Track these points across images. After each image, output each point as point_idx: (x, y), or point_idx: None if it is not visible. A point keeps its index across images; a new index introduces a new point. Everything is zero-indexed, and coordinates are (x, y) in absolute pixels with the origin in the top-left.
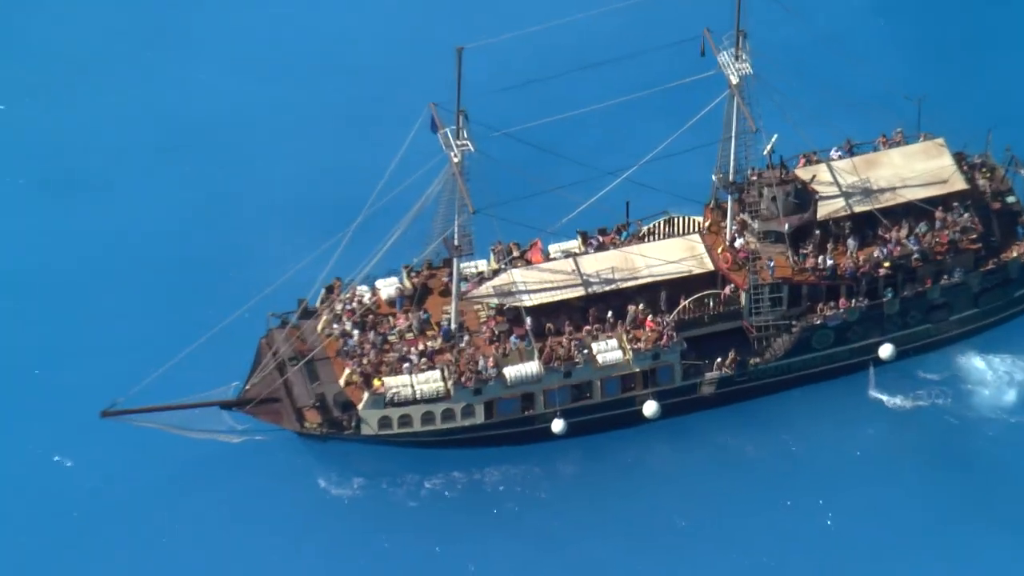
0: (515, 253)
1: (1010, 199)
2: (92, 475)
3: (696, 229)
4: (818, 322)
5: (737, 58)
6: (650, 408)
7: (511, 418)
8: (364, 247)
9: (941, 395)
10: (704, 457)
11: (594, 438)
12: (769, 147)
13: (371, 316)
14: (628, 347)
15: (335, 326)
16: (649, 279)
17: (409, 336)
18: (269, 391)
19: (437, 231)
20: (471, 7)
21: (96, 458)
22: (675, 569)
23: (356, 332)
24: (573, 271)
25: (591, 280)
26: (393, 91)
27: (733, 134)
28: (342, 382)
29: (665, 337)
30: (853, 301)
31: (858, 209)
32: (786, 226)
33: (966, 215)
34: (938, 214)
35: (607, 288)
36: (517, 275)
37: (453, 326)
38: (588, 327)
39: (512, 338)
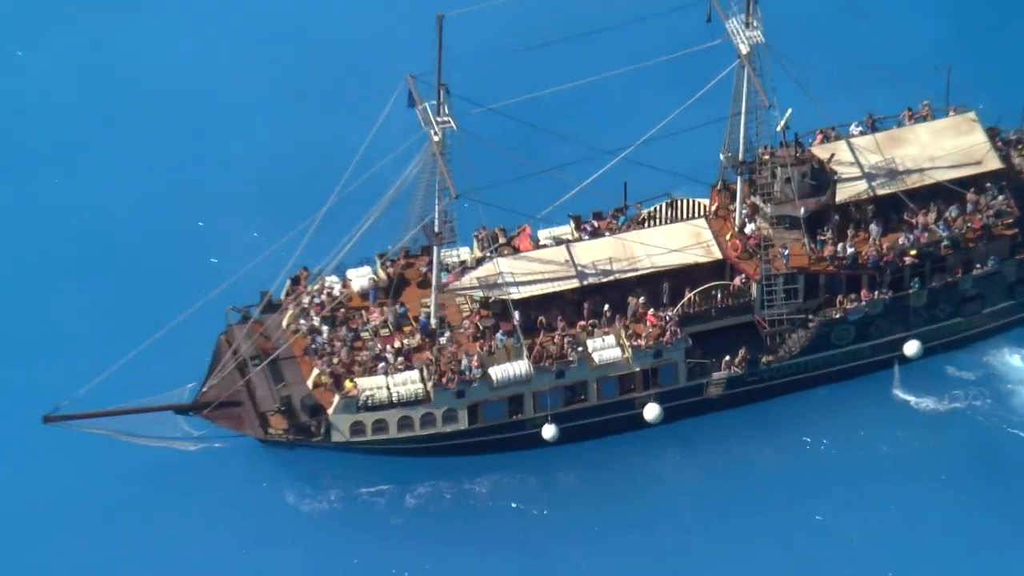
0: (501, 240)
1: None
2: (31, 487)
3: (702, 213)
4: (837, 316)
5: (748, 25)
6: (651, 411)
7: (498, 423)
8: (334, 234)
9: (978, 396)
10: (714, 466)
11: (590, 444)
12: (783, 123)
13: (342, 310)
14: (627, 344)
15: (302, 321)
16: (650, 269)
17: (384, 333)
18: (229, 394)
19: (415, 217)
20: None
21: (36, 468)
22: None
23: (325, 328)
24: (566, 260)
25: (586, 270)
26: (367, 62)
27: (743, 109)
28: (310, 384)
29: (668, 333)
30: (876, 293)
31: (881, 191)
32: (802, 210)
33: (1000, 197)
34: (970, 196)
35: (603, 279)
36: (504, 265)
37: (433, 321)
38: (583, 322)
39: (498, 335)
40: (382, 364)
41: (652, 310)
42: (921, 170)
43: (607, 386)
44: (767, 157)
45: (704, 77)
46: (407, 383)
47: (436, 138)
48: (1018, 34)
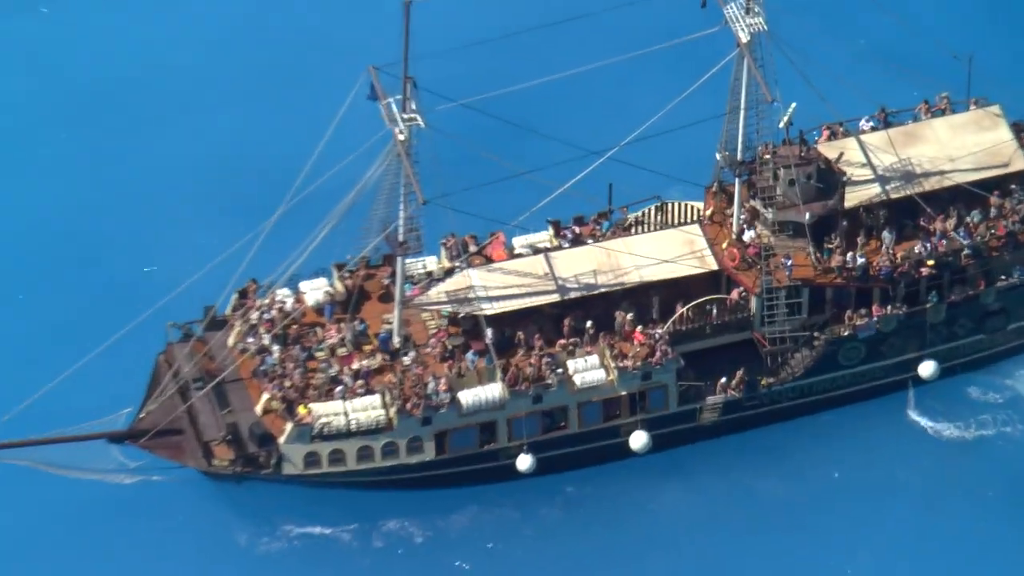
0: (472, 249)
1: None
2: None
3: (695, 218)
4: (846, 333)
5: (748, 11)
6: (639, 440)
7: (468, 453)
8: (287, 242)
9: (1008, 421)
10: (711, 500)
11: (572, 476)
12: (786, 118)
13: (295, 327)
14: (612, 365)
15: (250, 340)
16: (637, 281)
17: (341, 352)
18: (169, 420)
19: (377, 224)
20: None
21: None
22: None
23: (276, 347)
24: (544, 271)
25: (566, 282)
26: (327, 52)
27: (742, 103)
28: (259, 409)
29: (658, 353)
30: (889, 308)
31: (895, 194)
32: (807, 215)
33: None
34: (993, 200)
35: (586, 292)
36: (475, 276)
37: (396, 340)
38: (563, 341)
39: (469, 354)
40: (339, 388)
41: (640, 327)
42: (939, 171)
43: (590, 412)
44: (768, 156)
45: (699, 68)
46: (367, 409)
47: (401, 137)
48: None
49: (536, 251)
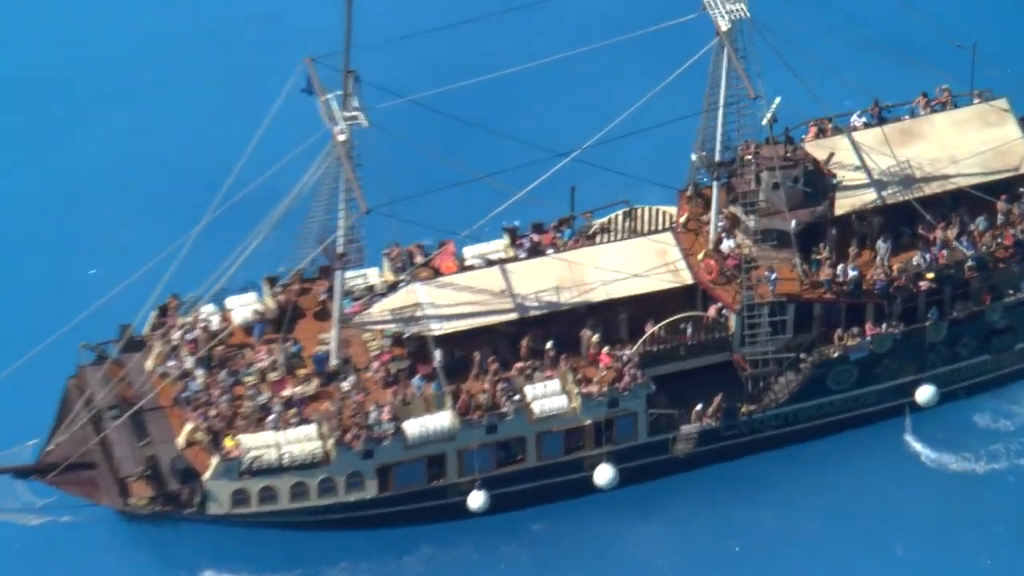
0: (419, 260)
1: None
2: None
3: (668, 225)
4: (836, 355)
5: None
6: (604, 474)
7: (415, 490)
8: (213, 252)
9: (1021, 452)
10: (685, 541)
11: (532, 514)
12: (770, 114)
13: (221, 348)
14: (575, 391)
15: (171, 363)
16: (604, 297)
17: (273, 377)
18: (80, 453)
19: (314, 233)
20: None
21: None
22: None
23: (200, 371)
24: (499, 286)
25: (524, 298)
26: (260, 41)
27: (721, 98)
28: (181, 441)
29: (626, 377)
30: (884, 326)
31: (891, 199)
32: (792, 223)
33: None
34: (1000, 205)
35: (546, 309)
36: (421, 292)
37: (334, 362)
38: (520, 364)
39: (415, 379)
40: (271, 417)
41: (606, 348)
42: (940, 172)
43: (550, 443)
44: (750, 157)
45: (674, 60)
46: (302, 441)
47: (342, 137)
48: None
49: (490, 263)
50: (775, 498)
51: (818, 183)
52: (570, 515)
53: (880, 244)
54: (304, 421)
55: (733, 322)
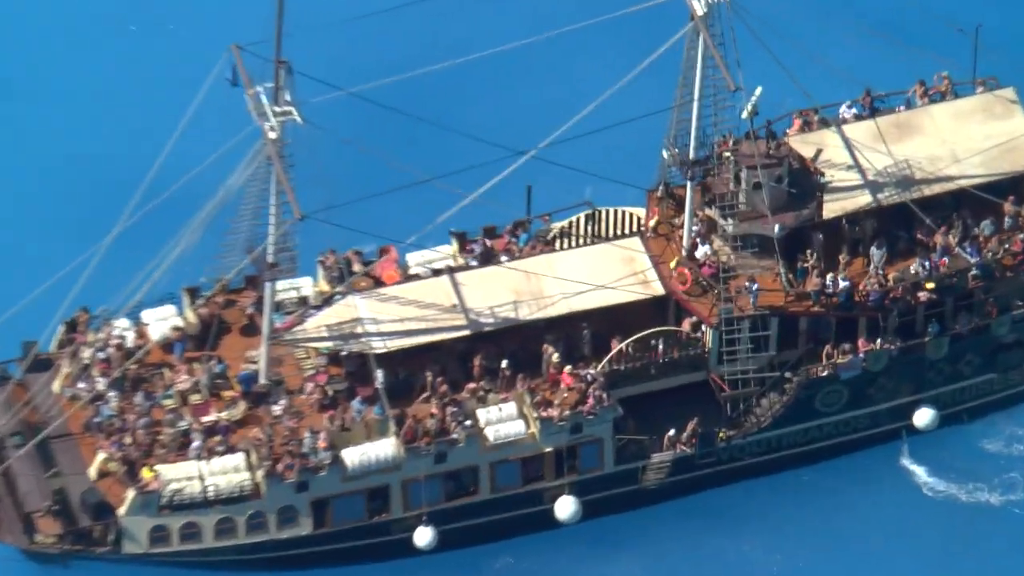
0: (357, 268)
1: None
2: None
3: (636, 230)
4: (825, 374)
5: None
6: (566, 508)
7: (354, 526)
8: (127, 262)
9: None
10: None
11: (498, 547)
12: (750, 106)
13: (136, 368)
14: (533, 415)
15: (81, 385)
16: (565, 310)
17: (195, 400)
18: None
19: (241, 240)
20: None
21: None
22: None
23: (113, 394)
24: (448, 298)
25: (475, 311)
26: (178, 27)
27: (696, 89)
28: (93, 472)
29: (590, 399)
30: (879, 342)
31: (886, 201)
32: (776, 228)
33: None
34: (1007, 207)
35: (501, 324)
36: (361, 304)
37: (263, 383)
38: (472, 385)
39: (355, 403)
40: (194, 445)
41: (568, 367)
42: (940, 170)
43: (505, 473)
44: (728, 153)
45: (643, 48)
46: (228, 472)
47: (272, 135)
48: None
49: (437, 272)
50: (757, 532)
51: (804, 183)
52: (530, 551)
53: (874, 251)
54: (231, 450)
55: (710, 338)
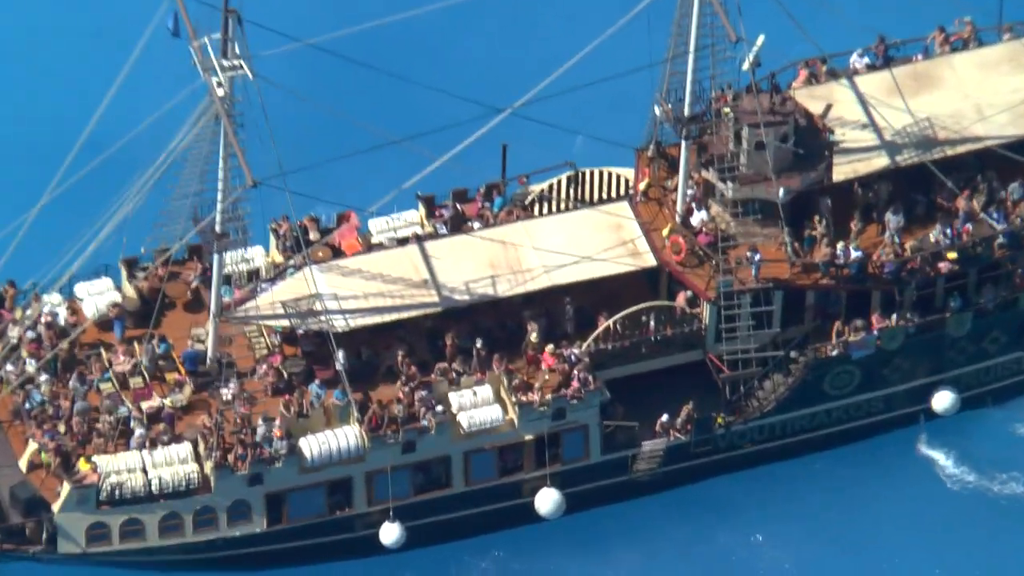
0: (314, 236)
1: None
2: None
3: (624, 193)
4: (835, 353)
5: None
6: (547, 501)
7: (313, 522)
8: (60, 231)
9: None
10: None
11: (481, 543)
12: (752, 57)
13: (70, 348)
14: (511, 400)
15: (9, 367)
16: (546, 283)
17: (136, 384)
18: None
19: (186, 207)
20: None
21: None
22: None
23: (45, 377)
24: (416, 270)
25: (447, 285)
26: None
27: (692, 39)
28: (24, 464)
29: (575, 381)
30: (894, 317)
31: (903, 161)
32: (781, 191)
33: None
34: None
35: (474, 299)
36: (319, 277)
37: (211, 364)
38: (443, 365)
39: (313, 386)
40: (137, 434)
41: (550, 346)
42: (963, 127)
43: (481, 464)
44: (727, 109)
45: None
46: (173, 463)
47: (221, 92)
48: None
49: (403, 241)
50: (758, 526)
51: (812, 142)
52: (509, 549)
53: (889, 217)
54: (176, 439)
55: (707, 313)
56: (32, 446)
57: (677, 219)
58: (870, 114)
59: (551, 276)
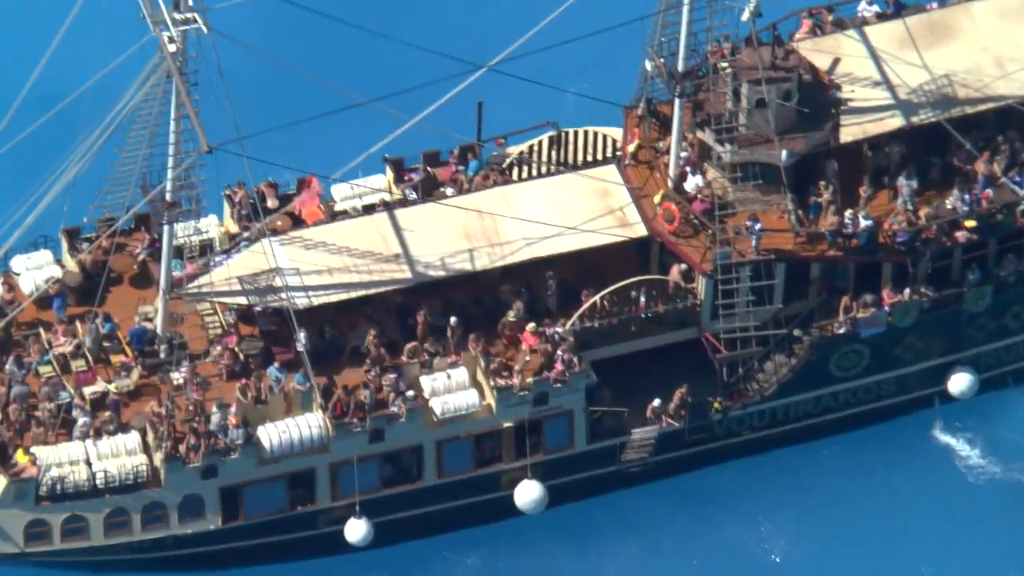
0: (272, 204)
1: None
2: None
3: (611, 155)
4: (842, 331)
5: None
6: (528, 493)
7: (273, 518)
8: None
9: None
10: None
11: (462, 538)
12: (752, 6)
13: (6, 328)
14: (488, 383)
15: None
16: (527, 256)
17: (79, 367)
18: None
19: (133, 173)
20: None
21: None
22: None
23: None
24: (384, 241)
25: (417, 256)
26: None
27: None
28: None
29: (558, 363)
30: (907, 292)
31: (917, 120)
32: (784, 154)
33: None
34: None
35: (447, 272)
36: (278, 249)
37: (161, 346)
38: (414, 345)
39: (272, 369)
40: (81, 423)
41: (531, 325)
42: (982, 83)
43: (455, 454)
44: (725, 64)
45: None
46: (119, 455)
47: (172, 48)
48: None
49: (369, 209)
50: (758, 520)
51: (817, 99)
52: (485, 546)
53: (902, 182)
54: (123, 428)
55: (702, 288)
56: None
57: (670, 184)
58: (881, 69)
59: (531, 248)
